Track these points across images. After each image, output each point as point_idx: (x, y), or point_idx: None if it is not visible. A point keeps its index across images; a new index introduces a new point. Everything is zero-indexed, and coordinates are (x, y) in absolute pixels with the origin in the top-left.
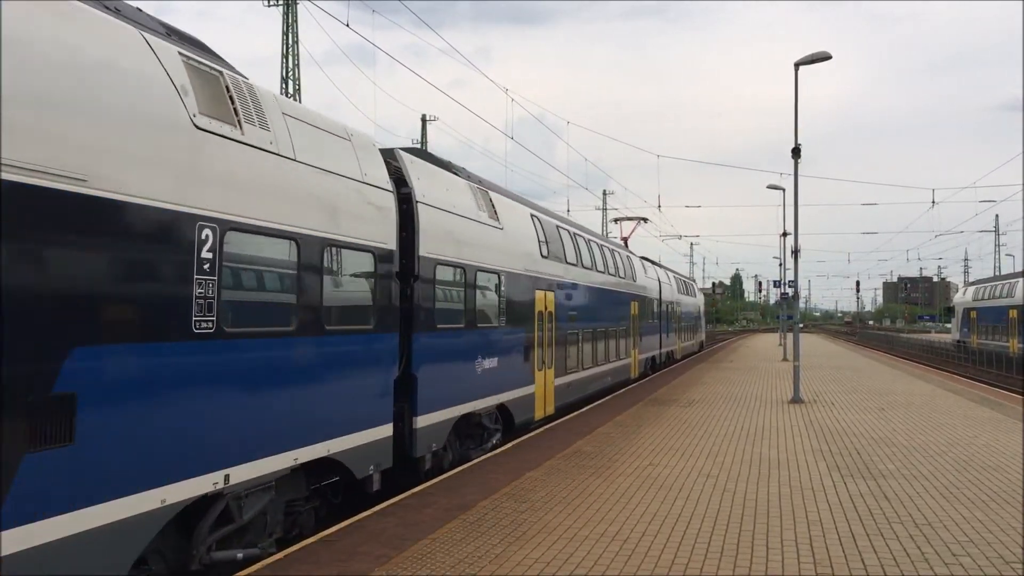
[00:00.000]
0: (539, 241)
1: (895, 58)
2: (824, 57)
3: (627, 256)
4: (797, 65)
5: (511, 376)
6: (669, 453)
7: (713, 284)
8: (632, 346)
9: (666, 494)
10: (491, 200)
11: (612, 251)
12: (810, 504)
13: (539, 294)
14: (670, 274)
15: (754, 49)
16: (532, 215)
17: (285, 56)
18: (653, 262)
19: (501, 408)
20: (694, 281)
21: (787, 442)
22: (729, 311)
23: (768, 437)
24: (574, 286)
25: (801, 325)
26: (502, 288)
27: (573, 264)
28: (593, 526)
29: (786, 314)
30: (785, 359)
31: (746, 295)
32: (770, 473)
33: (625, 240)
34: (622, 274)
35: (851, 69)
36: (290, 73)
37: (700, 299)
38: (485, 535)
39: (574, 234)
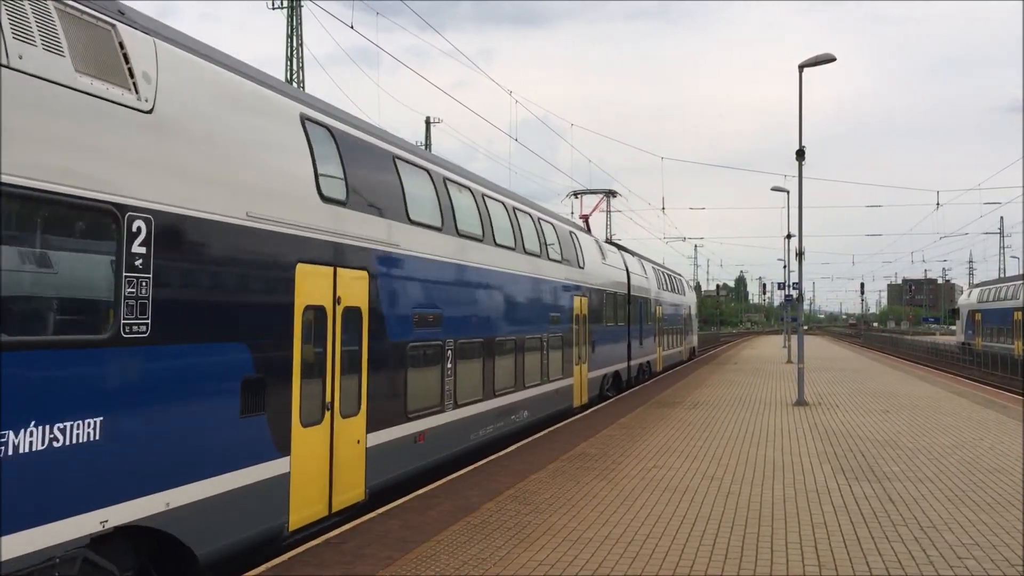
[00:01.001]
0: (318, 167)
1: (898, 59)
2: (828, 59)
3: (569, 232)
4: (801, 67)
5: (164, 457)
6: (673, 455)
7: (717, 286)
8: (576, 359)
9: (670, 496)
10: (120, 47)
11: (539, 221)
12: (815, 506)
13: (311, 273)
14: (647, 264)
15: (756, 50)
16: (304, 118)
17: (289, 58)
18: (621, 247)
19: (101, 547)
20: (681, 276)
21: (791, 444)
22: (733, 313)
23: (772, 439)
24: (434, 266)
25: (805, 327)
26: (135, 249)
27: (433, 228)
28: (597, 528)
29: (790, 316)
30: (789, 361)
31: (750, 297)
32: (774, 475)
33: (585, 218)
34: (555, 256)
35: (854, 70)
36: (294, 75)
37: (690, 297)
38: (490, 537)
39: (444, 180)
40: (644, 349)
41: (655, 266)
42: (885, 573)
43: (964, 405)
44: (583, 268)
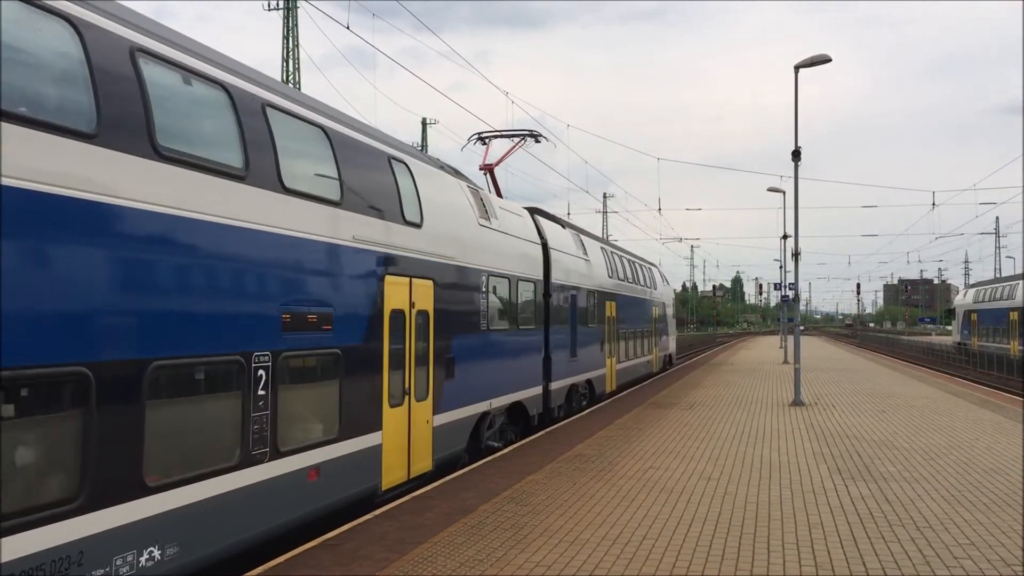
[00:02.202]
0: None
1: (895, 60)
2: (824, 60)
3: (388, 159)
4: (797, 68)
5: None
6: (670, 456)
7: (714, 287)
8: (398, 394)
9: (667, 497)
10: None
11: (277, 112)
12: (811, 507)
13: None
14: (592, 242)
15: (753, 52)
16: None
17: (285, 60)
18: (541, 212)
19: None
20: (654, 265)
21: (788, 445)
22: (730, 313)
23: (769, 440)
24: None
25: (802, 328)
26: None
27: None
28: (594, 529)
29: (786, 317)
30: (786, 362)
31: (747, 298)
32: (771, 476)
33: (489, 169)
34: (325, 192)
35: (851, 71)
36: (290, 77)
37: (665, 292)
38: (487, 538)
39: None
40: (579, 363)
41: (605, 247)
42: (882, 573)
43: (960, 405)
44: (420, 227)
